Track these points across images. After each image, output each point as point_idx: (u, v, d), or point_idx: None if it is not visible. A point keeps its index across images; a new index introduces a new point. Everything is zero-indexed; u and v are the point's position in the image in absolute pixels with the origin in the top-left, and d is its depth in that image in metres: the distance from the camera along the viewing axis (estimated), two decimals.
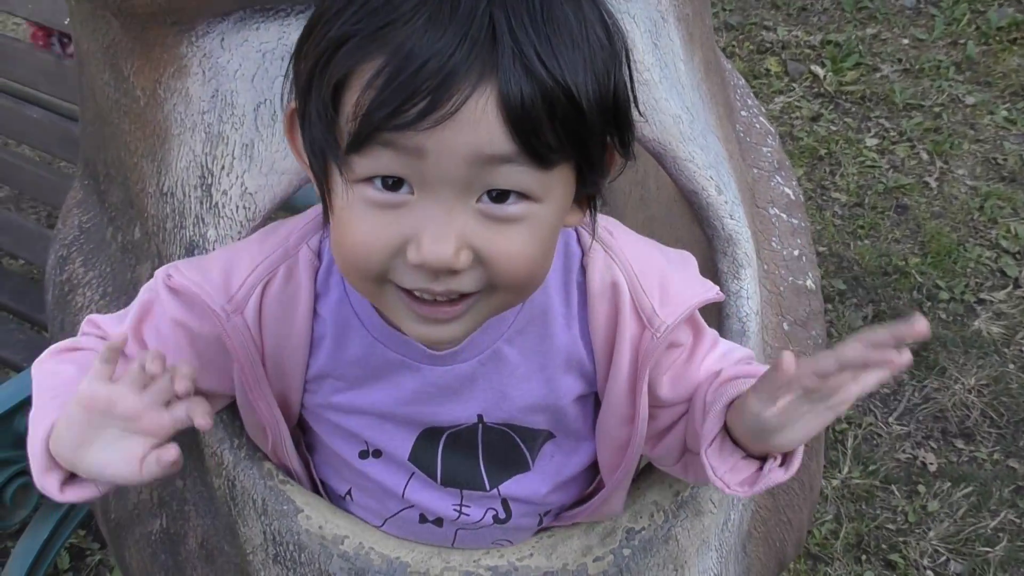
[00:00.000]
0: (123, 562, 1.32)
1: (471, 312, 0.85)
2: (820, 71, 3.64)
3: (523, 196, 0.79)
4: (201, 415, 0.89)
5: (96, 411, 0.88)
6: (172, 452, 0.87)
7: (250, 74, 1.07)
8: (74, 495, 0.92)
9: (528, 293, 0.89)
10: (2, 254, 2.65)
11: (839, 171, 3.20)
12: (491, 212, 0.79)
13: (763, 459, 0.94)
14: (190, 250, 1.11)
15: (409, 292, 0.82)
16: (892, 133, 3.37)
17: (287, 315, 0.97)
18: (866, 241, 2.93)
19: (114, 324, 1.03)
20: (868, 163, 3.23)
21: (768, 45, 3.81)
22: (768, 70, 3.67)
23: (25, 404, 1.80)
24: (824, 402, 0.87)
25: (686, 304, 0.98)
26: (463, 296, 0.83)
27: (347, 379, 1.00)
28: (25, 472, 1.86)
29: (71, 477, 0.93)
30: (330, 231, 0.86)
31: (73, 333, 1.29)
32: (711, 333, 1.05)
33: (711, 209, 1.24)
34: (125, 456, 0.88)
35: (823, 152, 3.28)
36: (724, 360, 1.03)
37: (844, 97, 3.53)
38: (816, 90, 3.57)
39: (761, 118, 1.53)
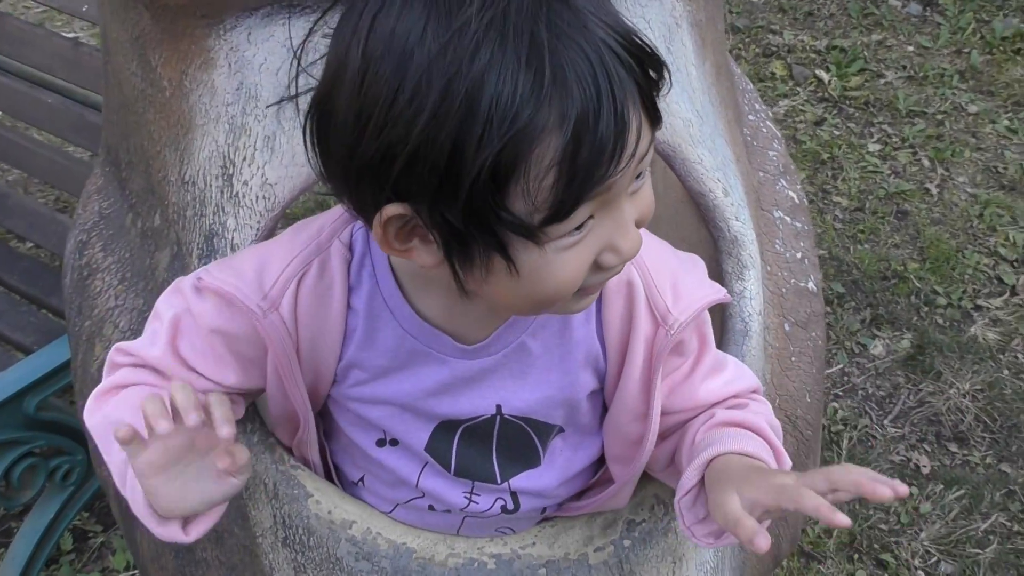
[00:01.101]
0: (133, 542, 1.34)
1: None
2: (825, 76, 3.65)
3: None
4: (219, 425, 0.92)
5: (161, 471, 0.92)
6: (240, 459, 0.91)
7: (275, 68, 1.09)
8: (198, 531, 0.96)
9: None
10: (12, 237, 2.66)
11: (841, 175, 3.23)
12: (637, 187, 0.84)
13: None
14: (209, 238, 1.13)
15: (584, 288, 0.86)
16: (895, 139, 3.39)
17: (322, 309, 0.98)
18: (866, 245, 2.96)
19: (145, 347, 1.02)
20: (870, 168, 3.25)
21: (774, 49, 3.83)
22: (773, 74, 3.69)
23: (34, 386, 1.81)
24: None
25: (697, 304, 1.00)
26: None
27: (371, 370, 1.01)
28: (32, 454, 1.87)
29: (186, 520, 0.96)
30: (505, 283, 0.83)
31: (91, 317, 1.32)
32: (716, 353, 1.07)
33: (717, 211, 1.27)
34: (209, 477, 0.92)
35: (826, 156, 3.30)
36: (726, 389, 1.05)
37: (848, 102, 3.55)
38: (820, 95, 3.59)
39: (768, 122, 1.56)
